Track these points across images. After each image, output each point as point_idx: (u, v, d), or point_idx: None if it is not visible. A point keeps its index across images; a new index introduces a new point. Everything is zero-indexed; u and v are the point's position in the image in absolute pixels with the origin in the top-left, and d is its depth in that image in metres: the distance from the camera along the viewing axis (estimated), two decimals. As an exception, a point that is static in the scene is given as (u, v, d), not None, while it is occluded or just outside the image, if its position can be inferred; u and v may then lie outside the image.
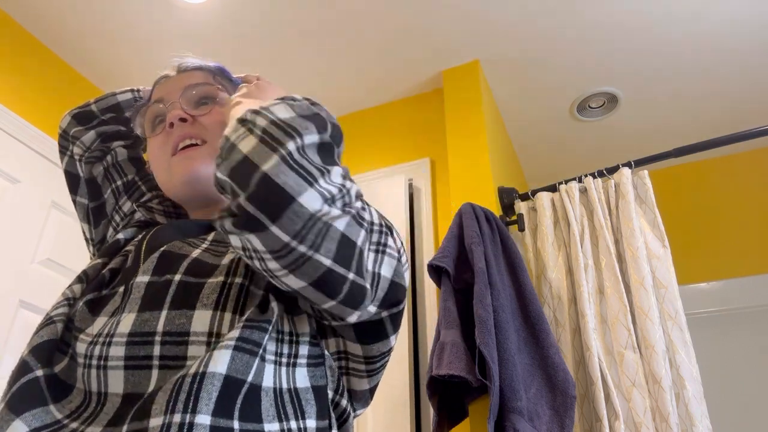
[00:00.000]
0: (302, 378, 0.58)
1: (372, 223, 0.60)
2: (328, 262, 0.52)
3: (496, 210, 1.84)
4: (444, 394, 1.45)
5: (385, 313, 0.62)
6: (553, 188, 1.84)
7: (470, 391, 1.47)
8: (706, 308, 2.39)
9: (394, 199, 1.99)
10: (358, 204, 0.57)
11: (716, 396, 2.23)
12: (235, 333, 0.54)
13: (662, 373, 1.38)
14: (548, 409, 1.34)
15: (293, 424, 0.54)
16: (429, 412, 1.67)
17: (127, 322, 0.56)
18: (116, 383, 0.54)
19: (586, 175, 1.77)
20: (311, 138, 0.56)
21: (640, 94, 2.29)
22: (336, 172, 0.57)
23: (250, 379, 0.52)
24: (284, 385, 0.56)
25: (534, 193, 1.86)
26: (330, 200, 0.54)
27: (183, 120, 0.71)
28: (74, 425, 0.52)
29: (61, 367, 0.58)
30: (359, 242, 0.55)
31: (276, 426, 0.53)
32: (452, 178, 1.95)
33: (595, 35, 2.03)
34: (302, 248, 0.51)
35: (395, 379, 1.69)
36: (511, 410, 1.27)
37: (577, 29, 2.01)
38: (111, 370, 0.54)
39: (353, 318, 0.58)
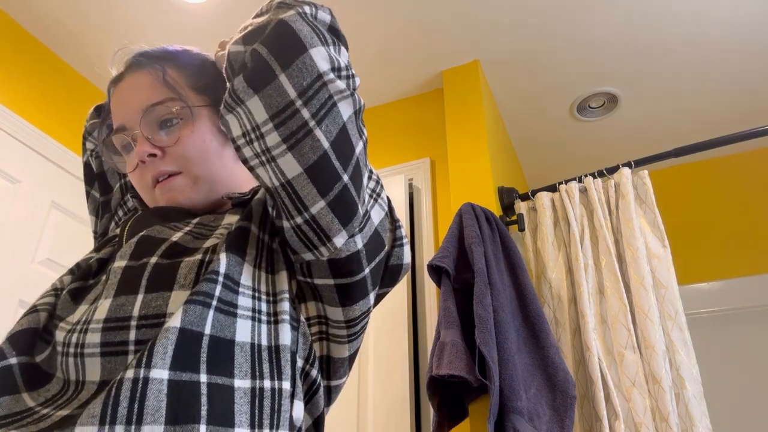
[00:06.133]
0: (285, 336, 0.56)
1: (371, 171, 0.62)
2: (326, 143, 0.53)
3: (496, 210, 1.84)
4: (444, 394, 1.45)
5: (366, 266, 0.61)
6: (553, 188, 1.84)
7: (470, 391, 1.47)
8: (706, 308, 2.39)
9: (394, 199, 1.99)
10: (362, 102, 0.59)
11: (716, 396, 2.23)
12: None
13: (662, 373, 1.38)
14: (548, 408, 1.34)
15: (267, 383, 0.52)
16: (429, 412, 1.67)
17: (102, 308, 0.55)
18: (93, 371, 0.53)
19: (586, 175, 1.77)
20: (324, 15, 0.58)
21: (640, 94, 2.29)
22: (344, 51, 0.58)
23: (207, 331, 0.51)
24: (264, 342, 0.55)
25: (534, 193, 1.86)
26: (337, 70, 0.54)
27: (153, 155, 0.69)
28: (45, 411, 0.52)
29: (42, 356, 0.57)
30: (357, 152, 0.56)
31: (247, 383, 0.51)
32: (452, 178, 1.95)
33: (595, 35, 2.03)
34: (305, 113, 0.52)
35: (395, 379, 1.69)
36: (511, 410, 1.27)
37: (577, 29, 2.01)
38: (88, 358, 0.53)
39: (340, 240, 0.56)
